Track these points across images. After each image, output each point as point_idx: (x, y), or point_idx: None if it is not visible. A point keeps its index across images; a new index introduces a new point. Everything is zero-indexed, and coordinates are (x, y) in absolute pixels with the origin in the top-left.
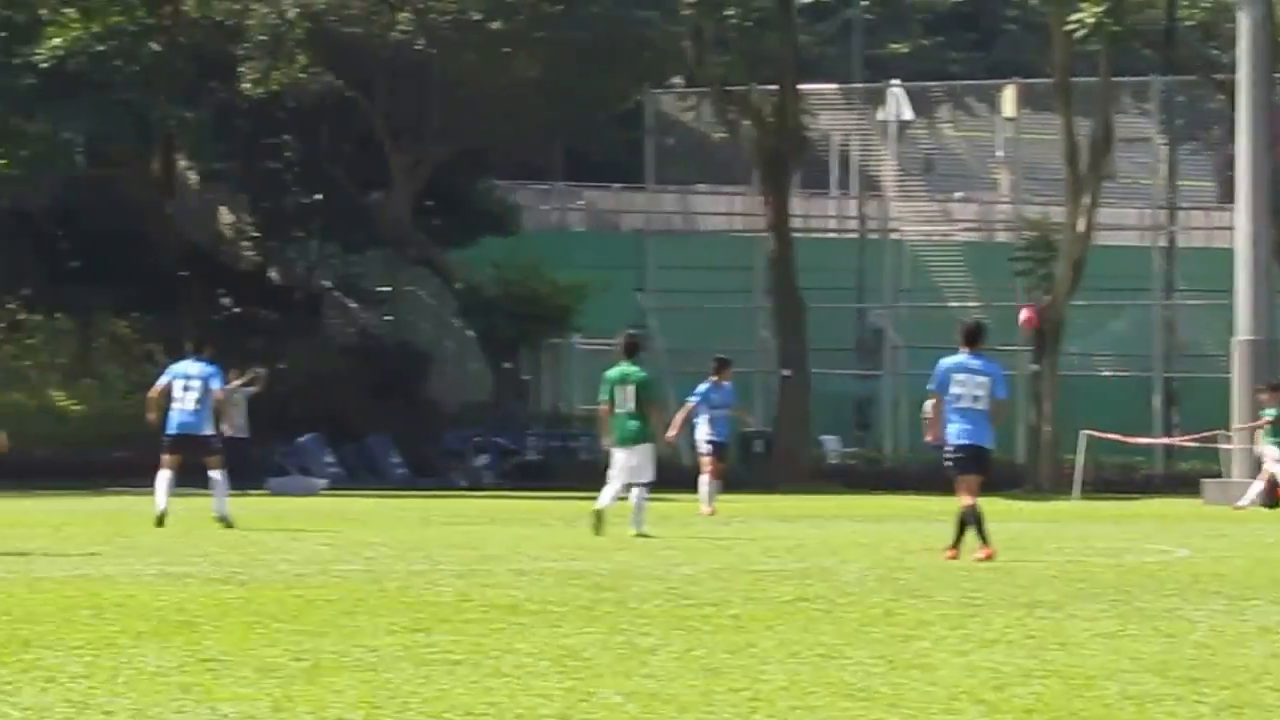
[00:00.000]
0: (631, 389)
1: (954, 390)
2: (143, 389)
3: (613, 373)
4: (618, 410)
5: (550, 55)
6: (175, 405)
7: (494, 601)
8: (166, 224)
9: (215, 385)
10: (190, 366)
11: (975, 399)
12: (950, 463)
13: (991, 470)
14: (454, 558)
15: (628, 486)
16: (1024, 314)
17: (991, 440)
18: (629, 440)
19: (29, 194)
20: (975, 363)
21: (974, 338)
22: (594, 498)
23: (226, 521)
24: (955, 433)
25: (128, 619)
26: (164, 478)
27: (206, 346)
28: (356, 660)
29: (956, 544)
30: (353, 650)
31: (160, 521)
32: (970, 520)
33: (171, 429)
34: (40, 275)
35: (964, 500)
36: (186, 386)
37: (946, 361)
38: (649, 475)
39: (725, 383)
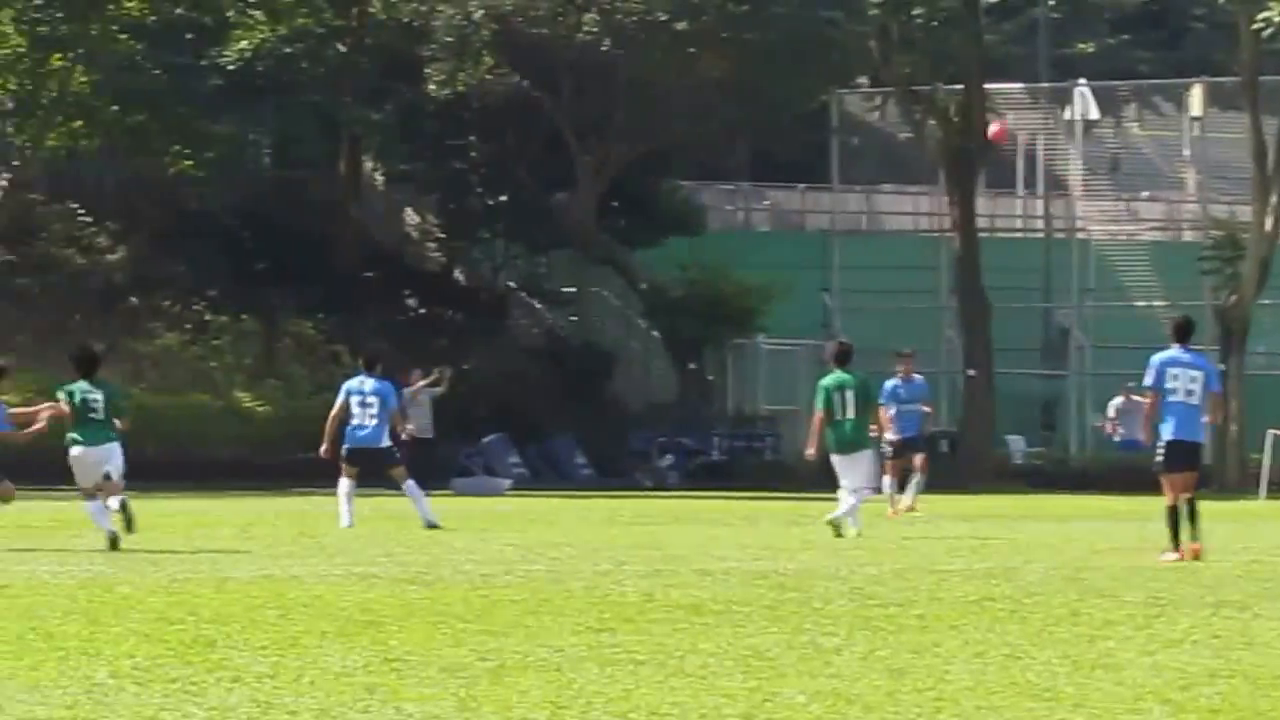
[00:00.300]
0: (850, 395)
1: (1167, 385)
2: (328, 390)
3: (828, 380)
4: (837, 417)
5: (736, 55)
6: (354, 420)
7: (678, 601)
8: (352, 225)
9: (393, 403)
10: (365, 383)
11: (1189, 394)
12: (1162, 458)
13: (1201, 466)
14: (638, 558)
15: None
16: (994, 128)
17: (1204, 435)
18: (849, 447)
19: (215, 196)
20: (1187, 357)
21: (1185, 332)
22: (778, 498)
23: (435, 525)
24: (1169, 428)
25: (313, 619)
26: (345, 489)
27: (378, 363)
28: (541, 660)
29: (1177, 544)
30: (537, 650)
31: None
32: (1182, 516)
33: (351, 443)
34: (226, 277)
35: (1170, 498)
36: (364, 402)
37: (1159, 357)
38: (873, 481)
39: (914, 377)
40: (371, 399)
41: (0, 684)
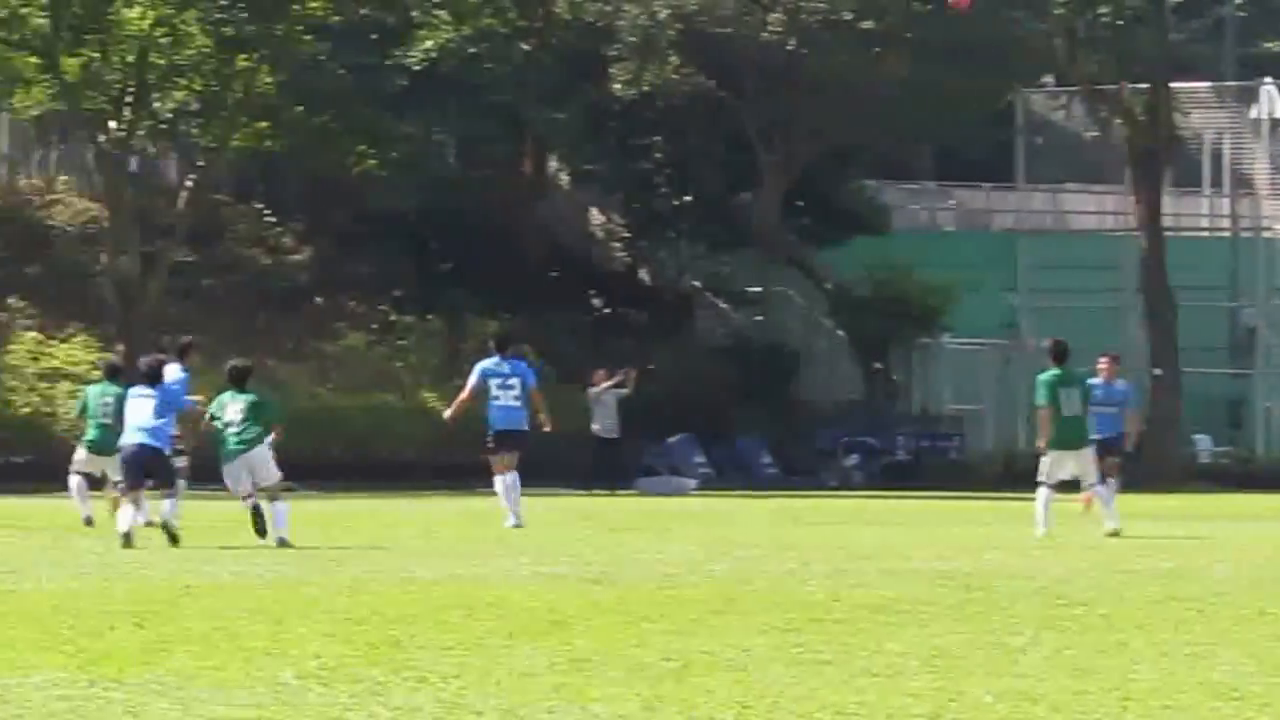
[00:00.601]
0: (1074, 391)
1: None
2: None
3: (1049, 376)
4: (1064, 414)
5: (920, 54)
6: (498, 401)
7: (864, 601)
8: (537, 225)
9: (532, 382)
10: (502, 365)
11: None
12: None
13: None
14: (824, 557)
15: (1063, 484)
16: None
17: None
18: (1075, 443)
19: (400, 196)
20: None
21: None
22: (963, 498)
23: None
24: None
25: (499, 619)
26: (504, 484)
27: (510, 344)
28: (727, 660)
29: None
30: (723, 650)
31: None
32: None
33: (502, 424)
34: (411, 277)
35: None
36: (505, 384)
37: None
38: (1097, 474)
39: (1116, 381)
40: (514, 380)
41: (186, 684)
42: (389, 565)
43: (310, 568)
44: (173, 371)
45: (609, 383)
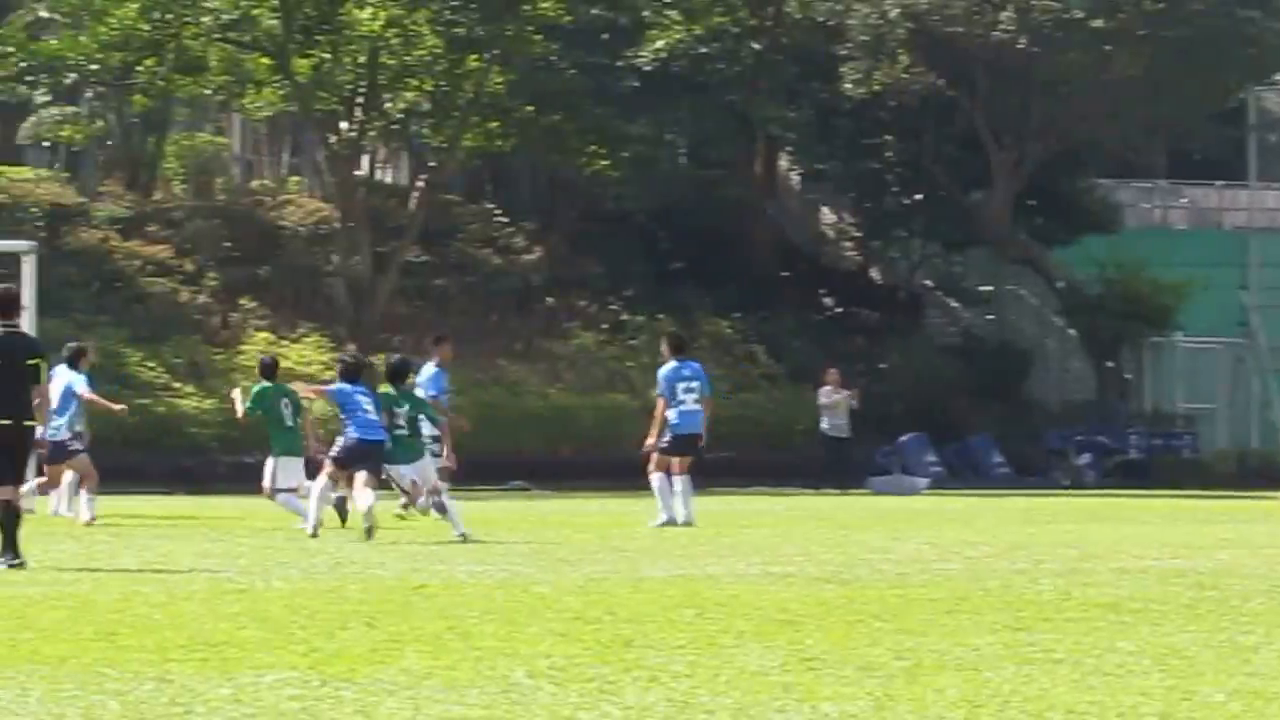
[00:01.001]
0: None
1: None
2: (744, 389)
3: None
4: None
5: (1152, 52)
6: (683, 405)
7: (1095, 600)
8: (768, 225)
9: (708, 389)
10: (682, 368)
11: None
12: None
13: None
14: (1055, 556)
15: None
16: None
17: None
18: None
19: (631, 196)
20: None
21: None
22: (1195, 496)
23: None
24: None
25: (730, 618)
26: (680, 484)
27: (686, 346)
28: (958, 659)
29: None
30: (954, 649)
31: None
32: None
33: (688, 429)
34: (642, 276)
35: None
36: (688, 387)
37: None
38: None
39: None
40: (695, 383)
41: (417, 683)
42: (621, 565)
43: (543, 567)
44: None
45: (843, 394)
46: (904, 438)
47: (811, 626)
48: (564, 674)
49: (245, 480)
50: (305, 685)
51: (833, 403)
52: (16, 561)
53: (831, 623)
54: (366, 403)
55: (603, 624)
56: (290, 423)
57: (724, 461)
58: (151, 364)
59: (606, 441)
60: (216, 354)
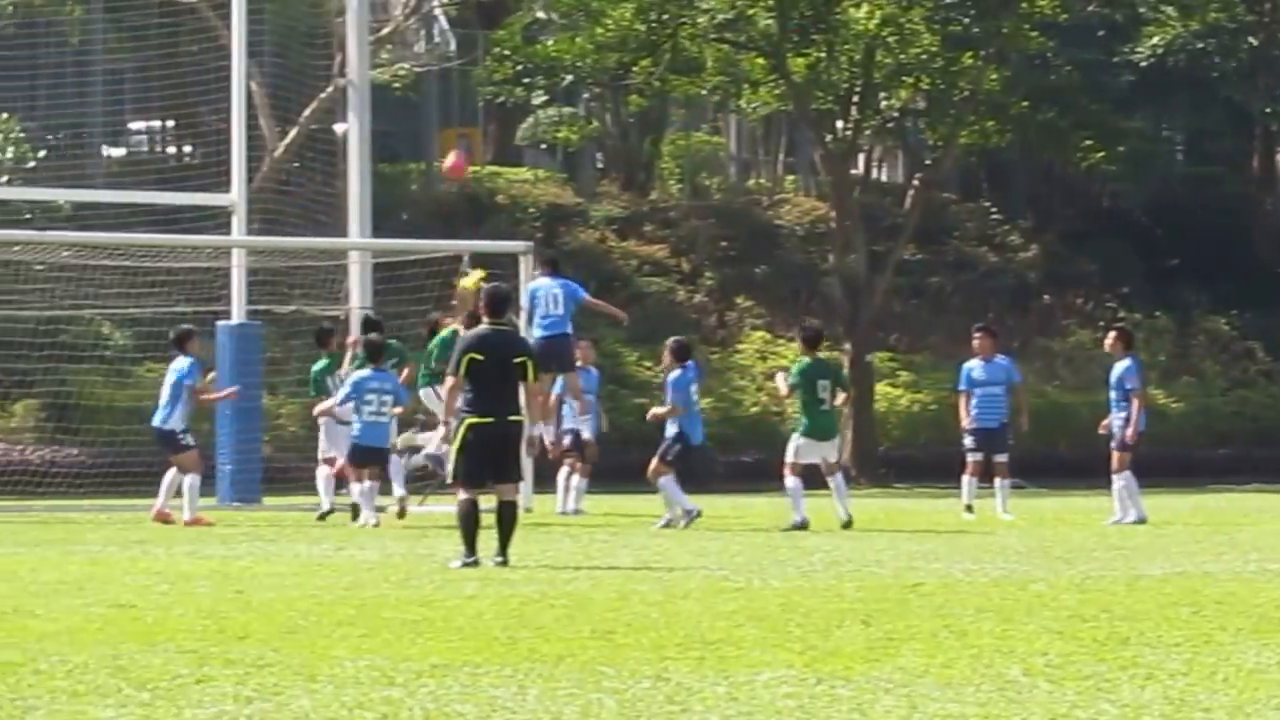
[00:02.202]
0: None
1: None
2: (1241, 386)
3: None
4: None
5: None
6: (822, 406)
7: None
8: (1266, 220)
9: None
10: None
11: None
12: None
13: None
14: None
15: None
16: (450, 160)
17: None
18: None
19: (1127, 193)
20: None
21: None
22: None
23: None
24: None
25: (1227, 616)
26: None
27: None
28: None
29: None
30: None
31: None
32: None
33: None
34: (1138, 274)
35: None
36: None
37: None
38: None
39: None
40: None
41: (913, 681)
42: (1117, 563)
43: (1039, 565)
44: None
45: None
46: None
47: None
48: (1060, 671)
49: (740, 479)
50: (801, 683)
51: None
52: (473, 561)
53: None
54: None
55: (1098, 622)
56: (827, 405)
57: (1221, 459)
58: (648, 363)
59: (1102, 439)
60: (713, 353)
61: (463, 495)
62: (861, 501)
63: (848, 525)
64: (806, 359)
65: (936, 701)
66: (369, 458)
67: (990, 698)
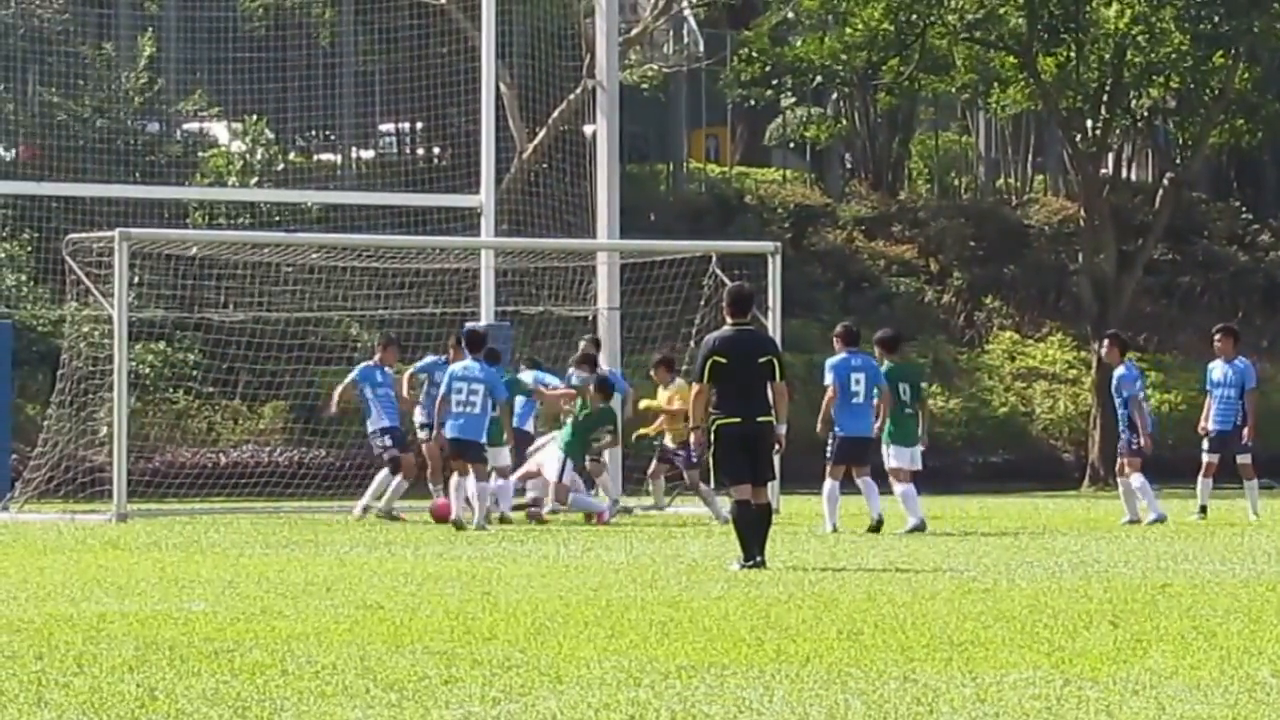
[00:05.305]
0: None
1: None
2: None
3: None
4: None
5: None
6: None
7: None
8: None
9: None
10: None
11: None
12: None
13: None
14: None
15: None
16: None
17: None
18: None
19: None
20: None
21: None
22: None
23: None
24: None
25: None
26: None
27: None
28: None
29: None
30: None
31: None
32: None
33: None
34: None
35: None
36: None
37: None
38: None
39: None
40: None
41: (1161, 682)
42: None
43: None
44: None
45: None
46: None
47: None
48: None
49: (989, 479)
50: (1048, 684)
51: None
52: (754, 562)
53: None
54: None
55: None
56: (910, 410)
57: None
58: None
59: None
60: (960, 353)
61: (734, 497)
62: (1110, 504)
63: (877, 528)
64: (889, 362)
65: (1184, 703)
66: (461, 450)
67: (1238, 699)
